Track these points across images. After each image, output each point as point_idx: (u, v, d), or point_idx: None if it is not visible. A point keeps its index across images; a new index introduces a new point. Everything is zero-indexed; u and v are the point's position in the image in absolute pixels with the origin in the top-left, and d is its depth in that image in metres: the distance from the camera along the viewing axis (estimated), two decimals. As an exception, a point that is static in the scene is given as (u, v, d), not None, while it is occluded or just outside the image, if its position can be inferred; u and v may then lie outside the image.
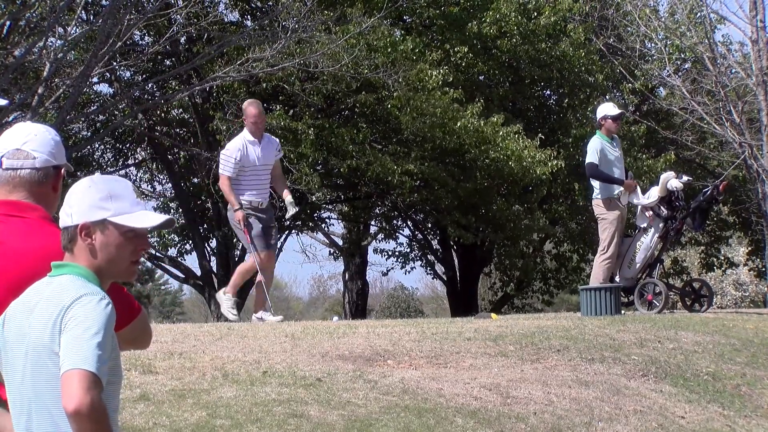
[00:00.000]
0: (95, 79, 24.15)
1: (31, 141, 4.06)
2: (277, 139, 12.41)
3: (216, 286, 26.90)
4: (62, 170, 4.13)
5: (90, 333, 3.40)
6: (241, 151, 11.70)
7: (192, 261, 29.05)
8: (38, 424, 3.50)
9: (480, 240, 27.54)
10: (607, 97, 28.81)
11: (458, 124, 23.67)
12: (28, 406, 3.51)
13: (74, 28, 21.81)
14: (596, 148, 13.41)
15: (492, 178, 25.24)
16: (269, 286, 12.18)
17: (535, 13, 26.91)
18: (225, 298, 12.19)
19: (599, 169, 13.38)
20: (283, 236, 30.41)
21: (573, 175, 26.22)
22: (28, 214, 3.99)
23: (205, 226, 27.90)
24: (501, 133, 24.16)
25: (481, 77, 27.17)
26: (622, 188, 13.42)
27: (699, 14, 27.12)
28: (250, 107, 11.95)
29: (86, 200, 3.63)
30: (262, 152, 11.73)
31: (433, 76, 23.74)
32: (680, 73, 28.15)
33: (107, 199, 3.64)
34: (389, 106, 23.67)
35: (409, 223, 31.11)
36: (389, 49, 23.54)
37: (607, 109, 13.70)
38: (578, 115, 27.75)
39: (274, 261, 12.22)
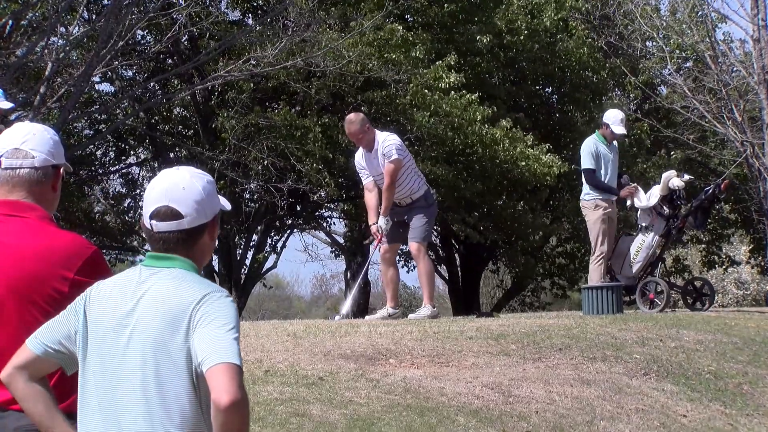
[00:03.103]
0: (97, 78, 24.16)
1: (30, 140, 4.06)
2: (389, 144, 11.80)
3: (218, 285, 26.87)
4: (61, 170, 4.13)
5: (229, 328, 3.39)
6: (359, 161, 12.05)
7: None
8: (143, 422, 3.43)
9: (485, 239, 27.54)
10: (608, 95, 28.84)
11: (470, 128, 23.66)
12: (136, 401, 3.44)
13: (76, 28, 21.81)
14: (591, 151, 13.28)
15: (500, 181, 25.28)
16: (385, 282, 12.34)
17: (536, 13, 26.93)
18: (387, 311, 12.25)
19: (596, 178, 13.31)
20: (285, 235, 30.45)
21: (577, 174, 26.24)
22: (27, 214, 3.98)
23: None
24: (510, 136, 24.18)
25: (484, 76, 27.18)
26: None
27: (700, 13, 27.12)
28: (345, 126, 12.08)
29: (212, 194, 3.63)
30: (373, 161, 11.88)
31: (450, 78, 23.71)
32: (682, 72, 28.14)
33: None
34: (398, 102, 23.62)
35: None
36: (402, 50, 23.50)
37: (614, 120, 13.43)
38: (580, 113, 27.77)
39: (389, 254, 12.25)
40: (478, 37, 25.37)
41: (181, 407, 3.41)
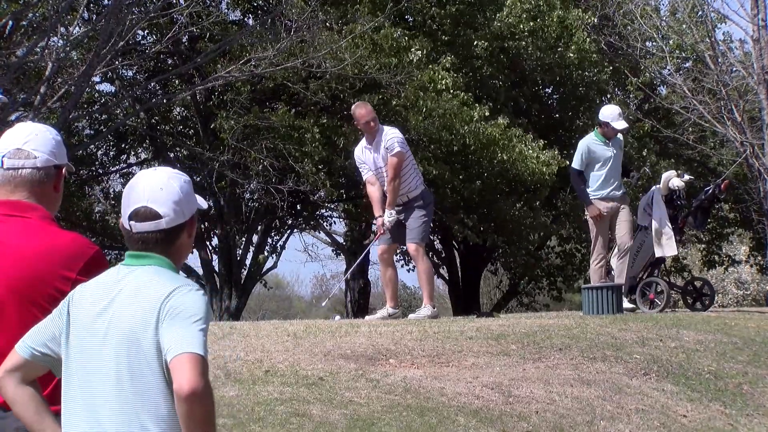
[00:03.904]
0: (97, 78, 24.15)
1: (32, 141, 4.06)
2: (391, 138, 11.61)
3: (218, 285, 26.88)
4: (63, 170, 4.13)
5: (195, 320, 3.42)
6: (359, 155, 11.87)
7: (194, 259, 29.06)
8: (118, 416, 3.46)
9: (483, 240, 27.53)
10: (608, 96, 28.81)
11: (465, 128, 23.61)
12: (111, 396, 3.47)
13: (76, 28, 21.81)
14: (583, 150, 13.20)
15: (499, 180, 25.26)
16: (384, 282, 12.24)
17: (539, 20, 26.94)
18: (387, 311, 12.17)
19: (577, 178, 13.27)
20: (285, 235, 30.45)
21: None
22: (29, 214, 3.99)
23: (206, 224, 27.89)
24: (508, 134, 24.13)
25: (485, 78, 27.16)
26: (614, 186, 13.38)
27: (700, 13, 27.10)
28: (354, 110, 11.86)
29: (189, 194, 3.65)
30: (373, 154, 11.73)
31: (445, 78, 23.67)
32: (681, 72, 28.13)
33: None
34: (395, 104, 23.62)
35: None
36: (395, 54, 23.49)
37: (611, 116, 13.26)
38: (580, 113, 27.76)
39: (386, 254, 12.08)
40: (476, 42, 25.37)
41: (154, 401, 3.44)
